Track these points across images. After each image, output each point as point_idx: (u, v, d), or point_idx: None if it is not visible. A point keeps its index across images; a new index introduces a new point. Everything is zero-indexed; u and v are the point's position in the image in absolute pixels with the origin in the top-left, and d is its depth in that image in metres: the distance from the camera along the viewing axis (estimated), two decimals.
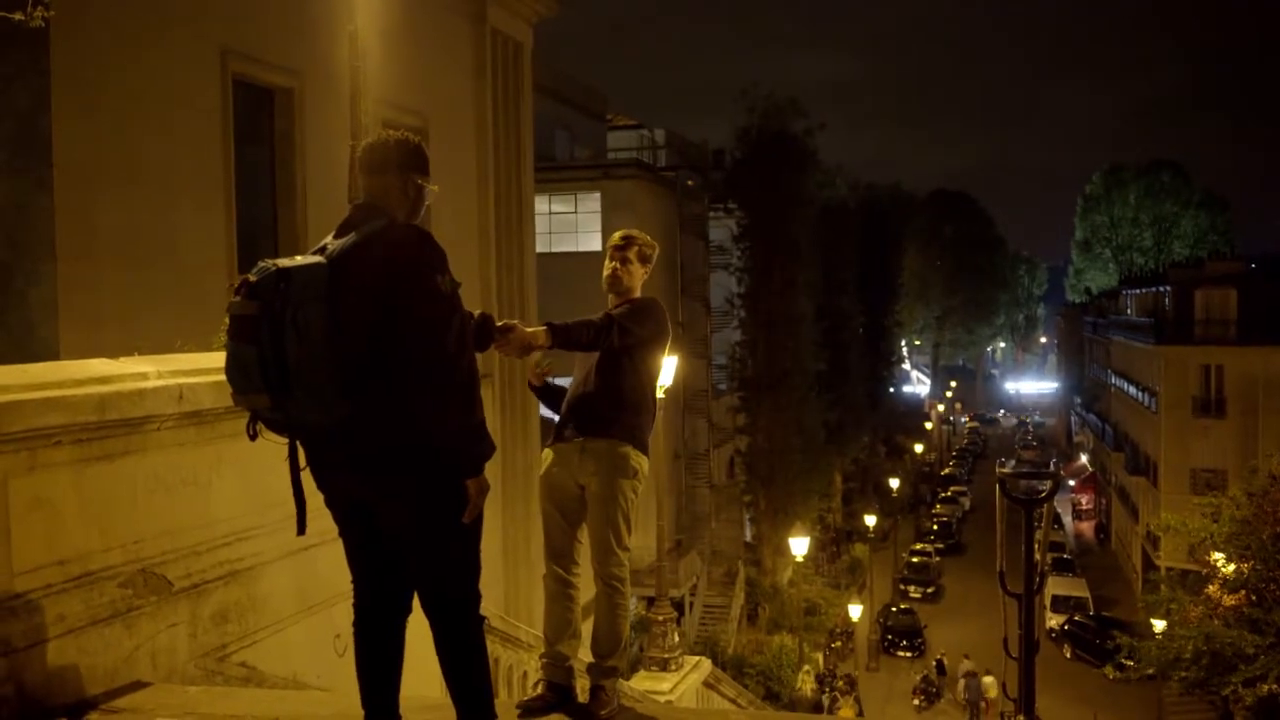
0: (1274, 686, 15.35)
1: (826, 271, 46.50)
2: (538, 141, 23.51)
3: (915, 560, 51.55)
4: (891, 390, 68.06)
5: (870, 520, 49.57)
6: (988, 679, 34.48)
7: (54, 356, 9.88)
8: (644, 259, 5.01)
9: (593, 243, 34.56)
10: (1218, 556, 18.72)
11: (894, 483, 54.07)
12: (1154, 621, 25.03)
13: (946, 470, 78.68)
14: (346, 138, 15.34)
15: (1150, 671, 20.32)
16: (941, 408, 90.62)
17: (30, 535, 4.71)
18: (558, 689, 4.71)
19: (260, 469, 6.03)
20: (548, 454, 4.90)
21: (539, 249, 23.32)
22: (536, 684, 4.82)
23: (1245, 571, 17.08)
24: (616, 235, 5.05)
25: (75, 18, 10.80)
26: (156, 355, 5.81)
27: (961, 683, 35.64)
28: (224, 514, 5.81)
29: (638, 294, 5.01)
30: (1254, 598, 16.90)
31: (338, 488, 3.80)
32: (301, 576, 6.31)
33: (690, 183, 40.08)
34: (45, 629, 4.71)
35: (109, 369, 5.28)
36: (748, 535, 43.37)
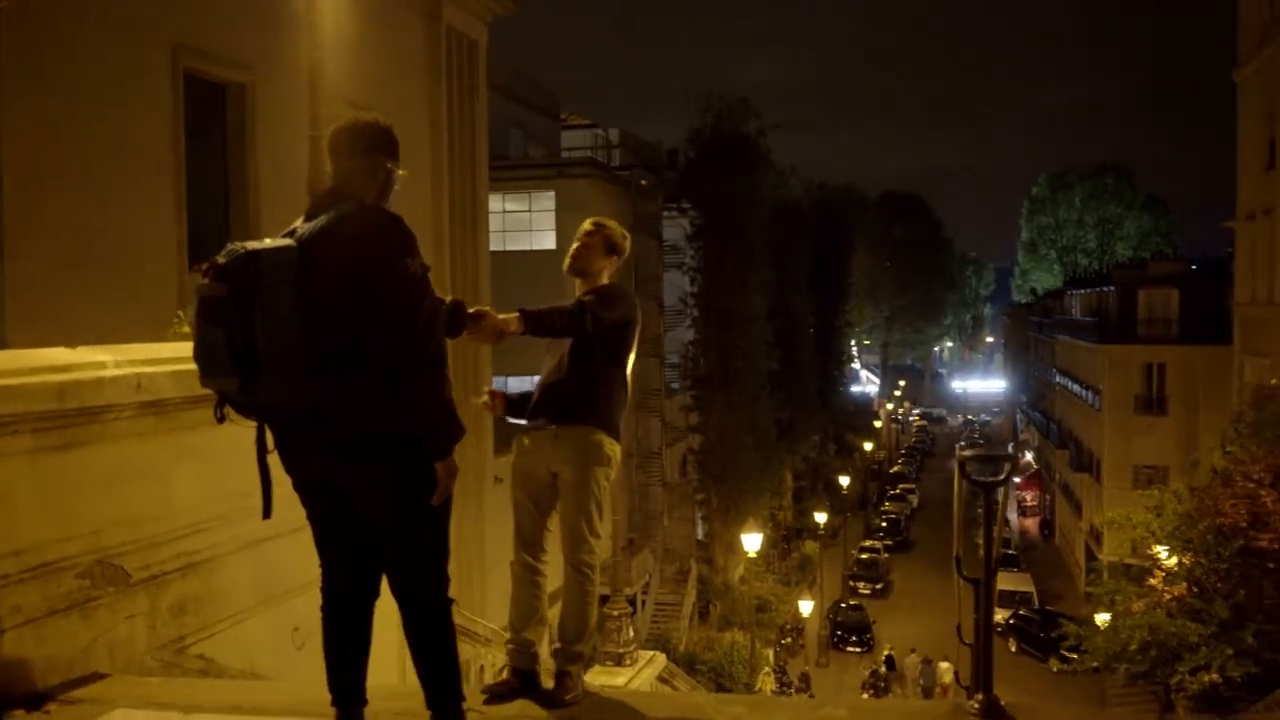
0: (1215, 676, 15.65)
1: (779, 271, 46.70)
2: (491, 140, 23.46)
3: (864, 557, 52.06)
4: (842, 389, 68.44)
5: (821, 518, 49.90)
6: (943, 665, 35.01)
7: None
8: (609, 246, 5.04)
9: (546, 241, 34.50)
10: (1160, 550, 19.04)
11: (844, 480, 54.51)
12: (1097, 616, 25.38)
13: (895, 468, 79.40)
14: (300, 133, 15.23)
15: (1095, 664, 20.57)
16: (890, 406, 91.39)
17: None
18: (523, 675, 4.73)
19: (219, 460, 6.00)
20: (520, 441, 4.90)
21: (492, 248, 23.29)
22: (502, 670, 4.84)
23: (1188, 564, 17.39)
24: (588, 222, 5.10)
25: (22, 13, 10.69)
26: (114, 345, 5.76)
27: (918, 669, 36.04)
28: (183, 505, 5.77)
29: (605, 281, 5.02)
30: (1196, 589, 17.21)
31: (309, 471, 3.80)
32: (260, 569, 6.28)
33: (644, 182, 40.12)
34: (1, 620, 4.67)
35: (67, 358, 5.24)
36: (699, 533, 43.51)
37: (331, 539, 3.91)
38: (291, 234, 3.73)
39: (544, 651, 4.91)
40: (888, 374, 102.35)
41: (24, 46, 11.20)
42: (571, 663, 4.72)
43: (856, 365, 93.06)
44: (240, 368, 3.51)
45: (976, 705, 4.36)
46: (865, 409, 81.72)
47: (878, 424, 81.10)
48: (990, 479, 4.28)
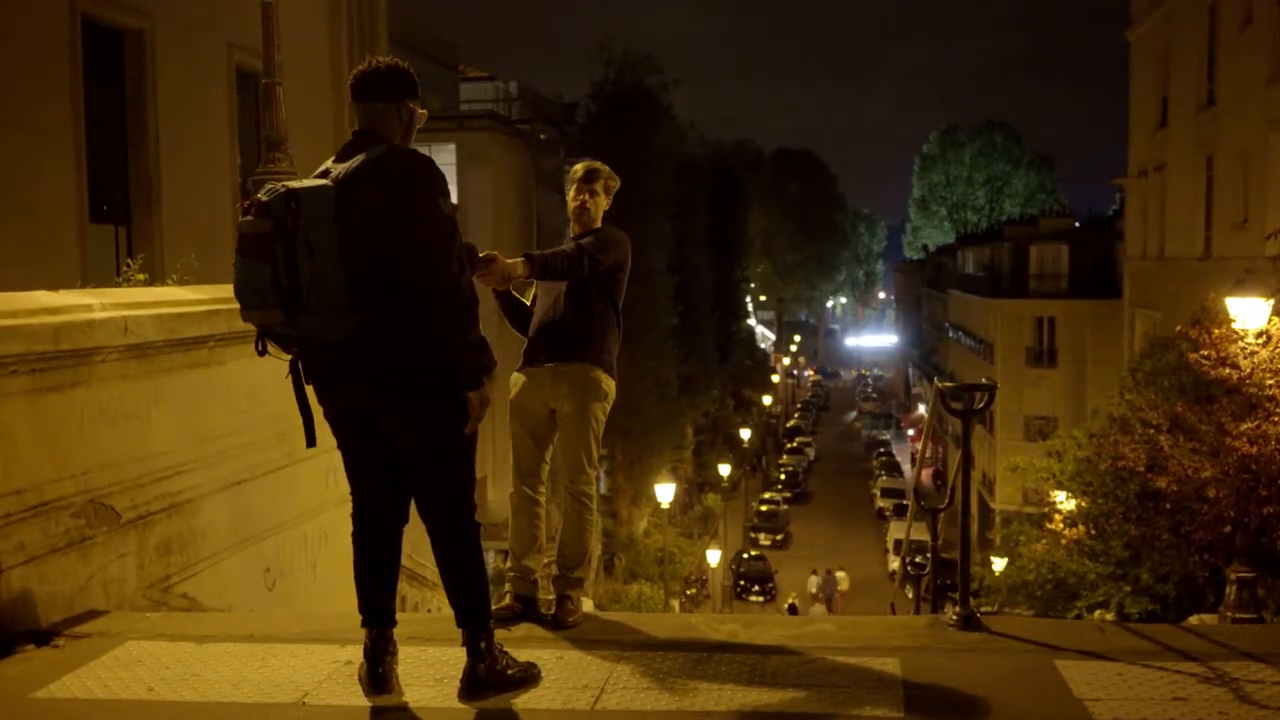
0: (1110, 615, 16.44)
1: (678, 227, 46.97)
2: None
3: (764, 509, 53.04)
4: (739, 344, 69.19)
5: (725, 470, 50.65)
6: (840, 574, 36.40)
7: None
8: (609, 191, 5.19)
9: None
10: (1058, 495, 19.83)
11: (745, 434, 55.32)
12: (993, 559, 26.33)
13: (791, 422, 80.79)
14: (201, 81, 14.98)
15: (989, 609, 21.36)
16: (786, 361, 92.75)
17: None
18: (524, 600, 4.94)
19: (194, 403, 6.08)
20: (517, 378, 5.06)
21: None
22: (504, 595, 5.02)
23: (1086, 506, 18.14)
24: (580, 167, 5.20)
25: None
26: (96, 288, 5.77)
27: (816, 579, 37.18)
28: (163, 447, 5.82)
29: (599, 224, 5.18)
30: (1094, 531, 17.99)
31: (346, 400, 3.92)
32: (236, 511, 6.37)
33: (543, 136, 39.94)
34: (7, 557, 4.72)
35: (54, 300, 5.25)
36: (604, 487, 43.85)
37: (363, 466, 4.05)
38: (325, 174, 3.84)
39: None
40: (783, 330, 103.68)
41: None
42: (572, 587, 4.93)
43: (752, 321, 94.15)
44: (284, 301, 3.62)
45: (954, 617, 4.67)
46: (762, 364, 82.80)
47: (774, 379, 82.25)
48: (969, 408, 4.59)
